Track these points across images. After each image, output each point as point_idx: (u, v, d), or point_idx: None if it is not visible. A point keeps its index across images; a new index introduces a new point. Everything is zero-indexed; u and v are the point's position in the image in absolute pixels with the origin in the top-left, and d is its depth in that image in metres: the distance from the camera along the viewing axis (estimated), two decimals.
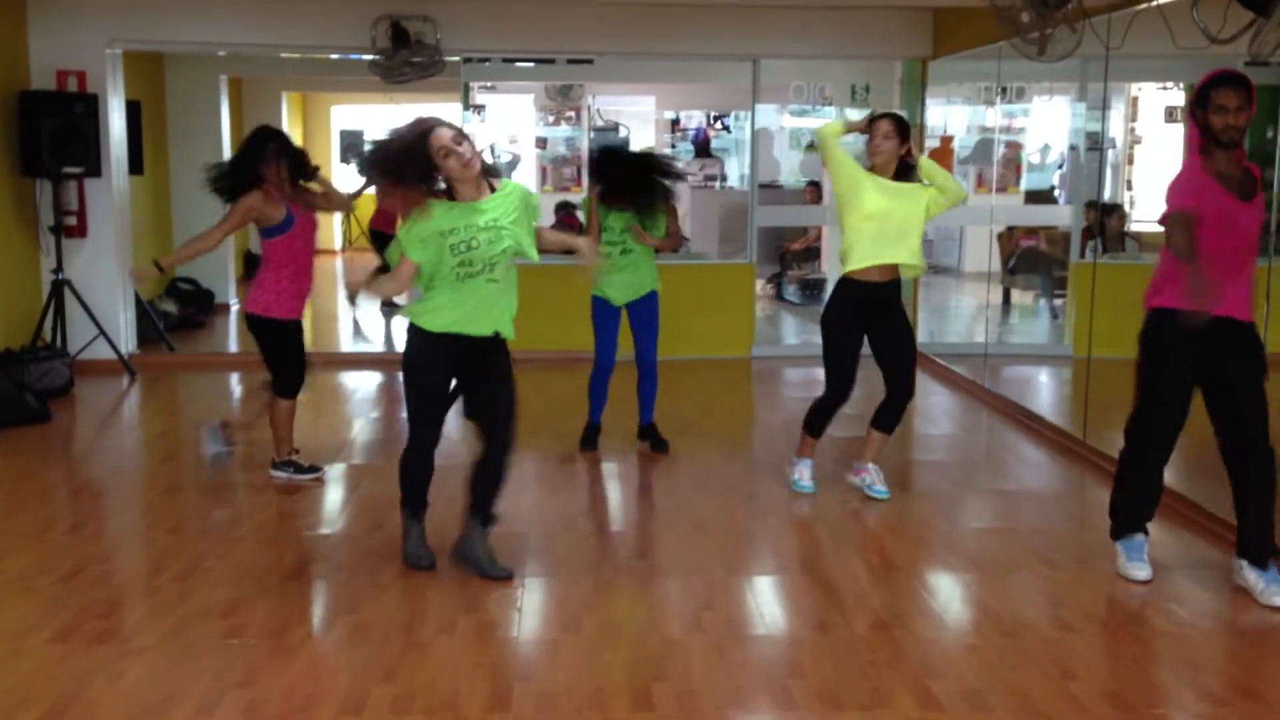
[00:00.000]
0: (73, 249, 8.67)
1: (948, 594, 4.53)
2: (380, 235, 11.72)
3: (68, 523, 5.34)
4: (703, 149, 14.78)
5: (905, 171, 5.55)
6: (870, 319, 5.48)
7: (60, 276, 8.43)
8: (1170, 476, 4.75)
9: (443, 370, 4.44)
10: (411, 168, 4.20)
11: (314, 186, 5.86)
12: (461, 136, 4.26)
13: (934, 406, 8.18)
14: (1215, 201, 4.26)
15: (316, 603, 4.36)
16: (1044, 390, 9.02)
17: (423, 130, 4.22)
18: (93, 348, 8.54)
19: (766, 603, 4.41)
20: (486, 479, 4.50)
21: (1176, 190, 4.33)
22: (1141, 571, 4.55)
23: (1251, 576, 4.40)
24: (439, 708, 3.47)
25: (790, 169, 13.17)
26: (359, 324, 11.85)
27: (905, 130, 5.55)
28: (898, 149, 5.49)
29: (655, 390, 6.58)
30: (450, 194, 4.31)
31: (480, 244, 4.28)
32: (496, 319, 4.41)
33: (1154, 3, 6.05)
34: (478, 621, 4.14)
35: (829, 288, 12.17)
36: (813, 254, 12.91)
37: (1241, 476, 4.45)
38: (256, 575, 4.54)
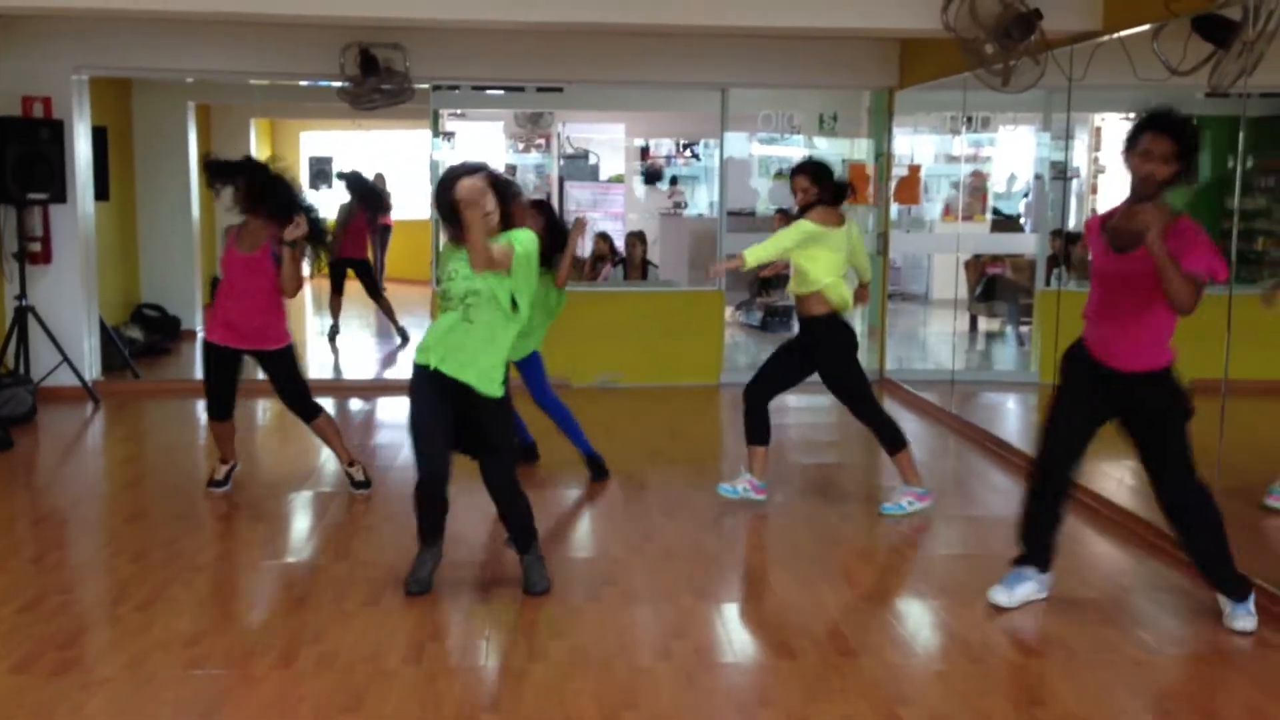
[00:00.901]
0: (37, 275, 8.59)
1: (916, 620, 4.54)
2: (344, 262, 11.71)
3: (29, 552, 5.27)
4: (652, 177, 14.79)
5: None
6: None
7: (24, 303, 8.35)
8: (1136, 502, 4.79)
9: (429, 405, 4.47)
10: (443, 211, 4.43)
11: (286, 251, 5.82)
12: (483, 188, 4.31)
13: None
14: (1095, 246, 4.32)
15: (281, 632, 4.31)
16: (1011, 416, 9.08)
17: (449, 179, 4.37)
18: (56, 375, 8.45)
19: (735, 630, 4.40)
20: (505, 518, 4.72)
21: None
22: (999, 596, 4.56)
23: (1242, 619, 4.38)
24: None
25: (760, 198, 13.23)
26: (336, 352, 11.79)
27: (818, 176, 5.94)
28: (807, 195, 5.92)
29: (569, 423, 6.51)
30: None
31: (457, 278, 4.37)
32: (466, 364, 4.41)
33: (1115, 35, 6.14)
34: (444, 650, 4.12)
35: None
36: (783, 280, 12.95)
37: (1175, 525, 4.45)
38: (220, 604, 4.49)
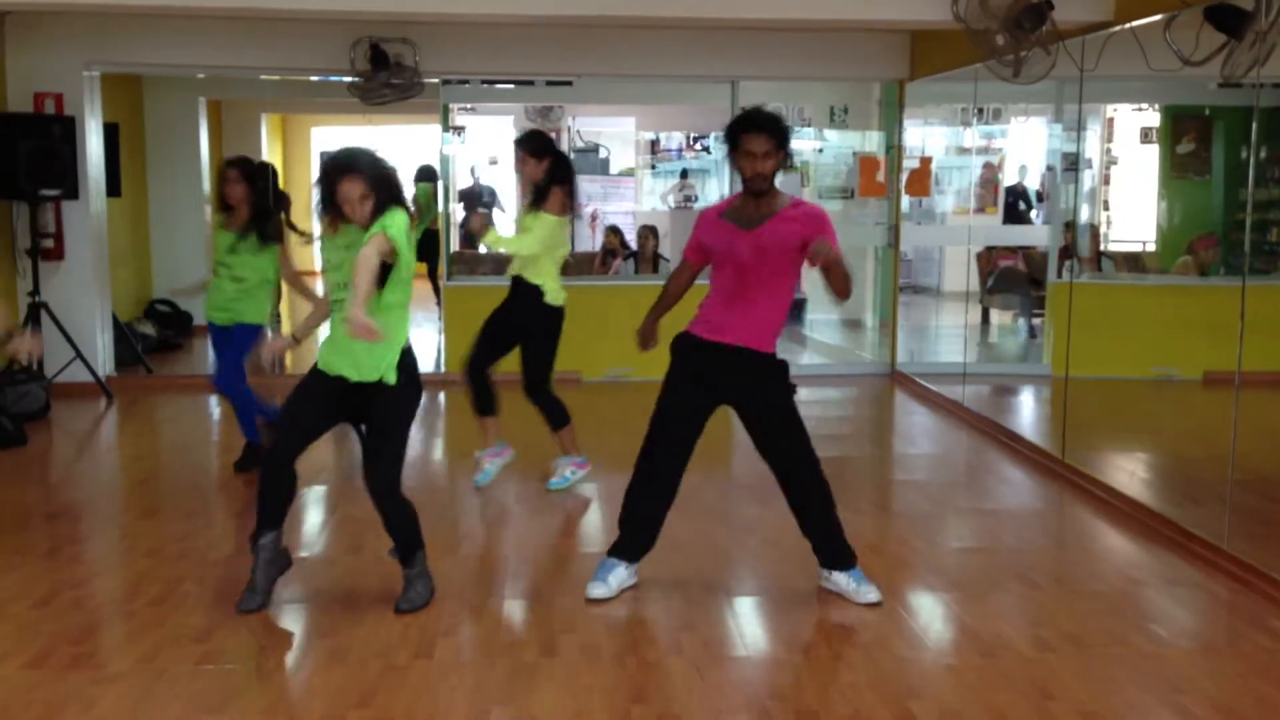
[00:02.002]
0: (50, 272, 8.63)
1: (927, 614, 4.53)
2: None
3: (43, 547, 5.29)
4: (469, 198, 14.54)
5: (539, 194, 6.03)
6: None
7: (37, 299, 8.38)
8: (1148, 494, 4.77)
9: (311, 387, 4.35)
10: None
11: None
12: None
13: (913, 426, 8.20)
14: (716, 232, 4.41)
15: (293, 627, 4.32)
16: (1023, 409, 9.05)
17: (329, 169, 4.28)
18: (70, 370, 8.49)
19: (746, 624, 4.40)
20: (386, 523, 4.43)
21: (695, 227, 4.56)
22: (597, 589, 4.56)
23: (841, 580, 4.52)
24: None
25: None
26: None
27: (535, 149, 6.02)
28: (534, 171, 6.03)
29: (241, 412, 6.39)
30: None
31: (329, 269, 4.34)
32: (357, 359, 4.23)
33: (1127, 25, 6.11)
34: (455, 645, 4.12)
35: (810, 308, 12.24)
36: None
37: (791, 497, 4.57)
38: (233, 600, 4.50)
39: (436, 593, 4.50)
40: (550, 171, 5.97)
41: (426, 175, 12.38)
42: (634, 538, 4.63)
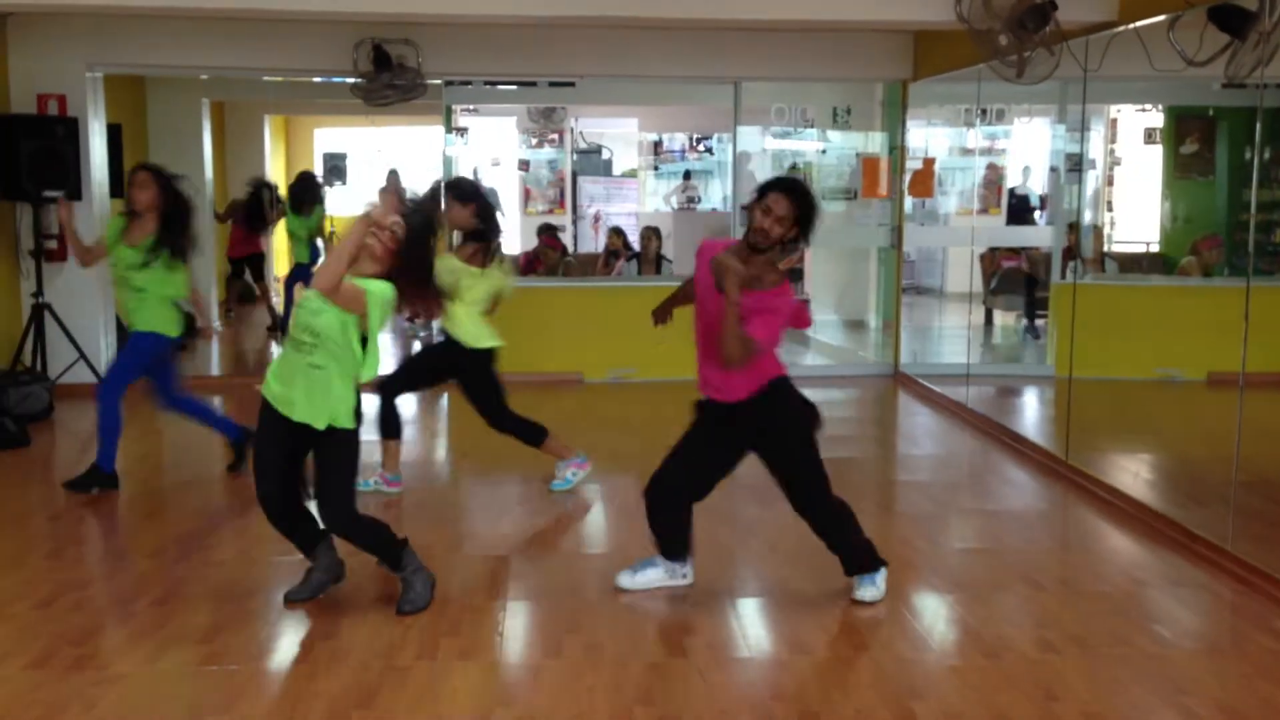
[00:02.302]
0: (53, 273, 8.62)
1: (931, 615, 4.52)
2: (237, 263, 12.06)
3: (46, 548, 5.29)
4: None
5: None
6: None
7: (40, 300, 8.38)
8: (1151, 495, 4.77)
9: (273, 442, 4.29)
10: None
11: None
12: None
13: (917, 427, 8.19)
14: (700, 272, 4.39)
15: (295, 628, 4.31)
16: (1026, 410, 9.04)
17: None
18: (73, 371, 8.48)
19: (749, 625, 4.39)
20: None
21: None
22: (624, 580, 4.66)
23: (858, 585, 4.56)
24: None
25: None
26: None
27: (461, 195, 5.92)
28: (460, 216, 5.91)
29: (195, 415, 6.48)
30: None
31: (304, 311, 4.16)
32: (311, 407, 4.17)
33: (1130, 25, 6.10)
34: (459, 646, 4.11)
35: (812, 309, 12.21)
36: (796, 275, 12.94)
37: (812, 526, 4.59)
38: (235, 601, 4.50)
39: (438, 592, 4.49)
40: (479, 221, 5.88)
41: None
42: (662, 541, 4.71)
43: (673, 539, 4.69)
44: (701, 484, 4.65)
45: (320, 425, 4.17)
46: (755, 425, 4.44)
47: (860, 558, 4.58)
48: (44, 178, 8.20)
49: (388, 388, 6.02)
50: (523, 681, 3.87)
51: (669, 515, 4.68)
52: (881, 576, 4.59)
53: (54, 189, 8.27)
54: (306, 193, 12.02)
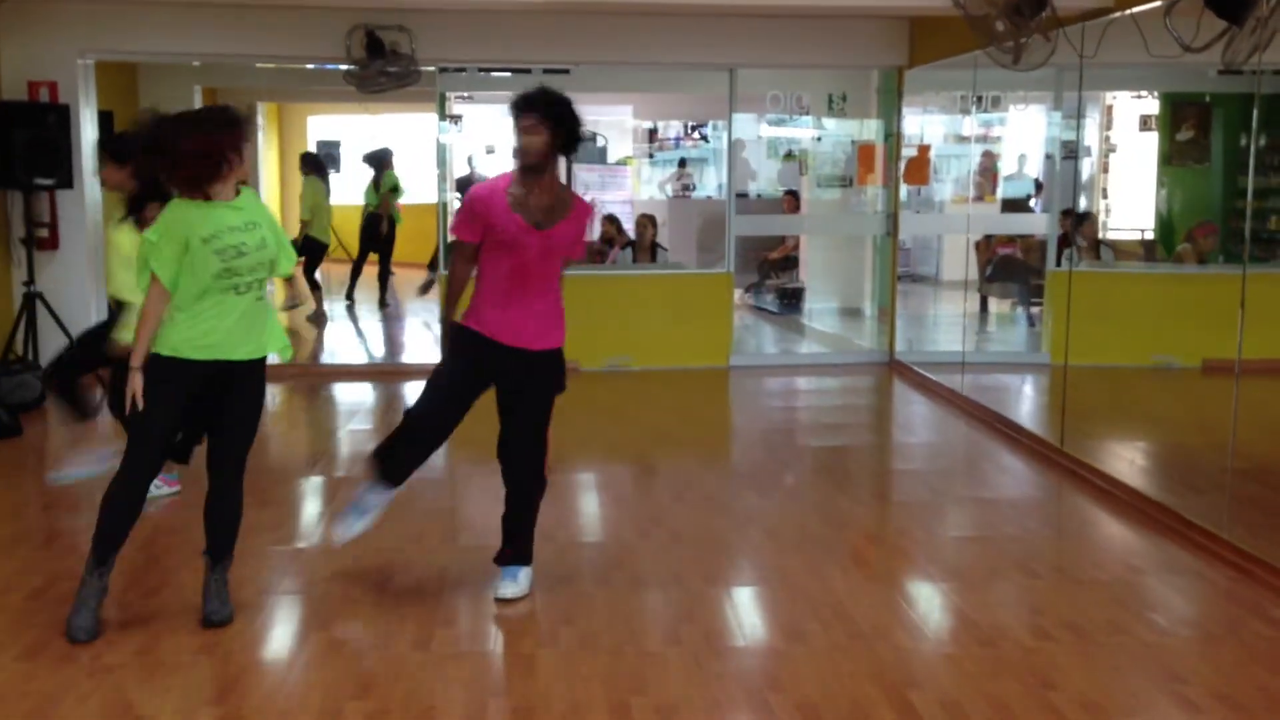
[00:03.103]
0: (45, 261, 8.58)
1: (926, 603, 4.52)
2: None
3: (38, 538, 5.27)
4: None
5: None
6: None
7: (32, 289, 8.34)
8: (1148, 483, 4.76)
9: (178, 402, 4.00)
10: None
11: None
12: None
13: (912, 415, 8.19)
14: (505, 220, 4.26)
15: (290, 618, 4.30)
16: (1021, 398, 9.04)
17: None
18: None
19: (745, 614, 4.39)
20: (227, 511, 4.20)
21: (462, 208, 4.41)
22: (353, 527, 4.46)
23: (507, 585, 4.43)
24: None
25: (768, 178, 13.18)
26: (362, 334, 11.85)
27: (116, 152, 5.23)
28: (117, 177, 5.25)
29: None
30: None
31: (250, 249, 3.93)
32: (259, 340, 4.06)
33: (1127, 11, 6.08)
34: (454, 636, 4.10)
35: (808, 297, 12.22)
36: (791, 263, 12.92)
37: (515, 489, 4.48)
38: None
39: (434, 582, 4.48)
40: (139, 181, 5.02)
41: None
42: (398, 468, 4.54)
43: (407, 470, 4.53)
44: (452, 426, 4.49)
45: (268, 352, 4.09)
46: (551, 371, 4.42)
47: (529, 546, 4.51)
48: (35, 165, 8.15)
49: (68, 367, 5.70)
50: (518, 671, 3.86)
51: (423, 453, 4.54)
52: (527, 574, 4.49)
53: (45, 177, 8.23)
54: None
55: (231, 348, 3.98)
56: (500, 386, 4.42)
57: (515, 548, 4.49)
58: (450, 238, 4.40)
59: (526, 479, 4.46)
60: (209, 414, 4.12)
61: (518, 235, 4.24)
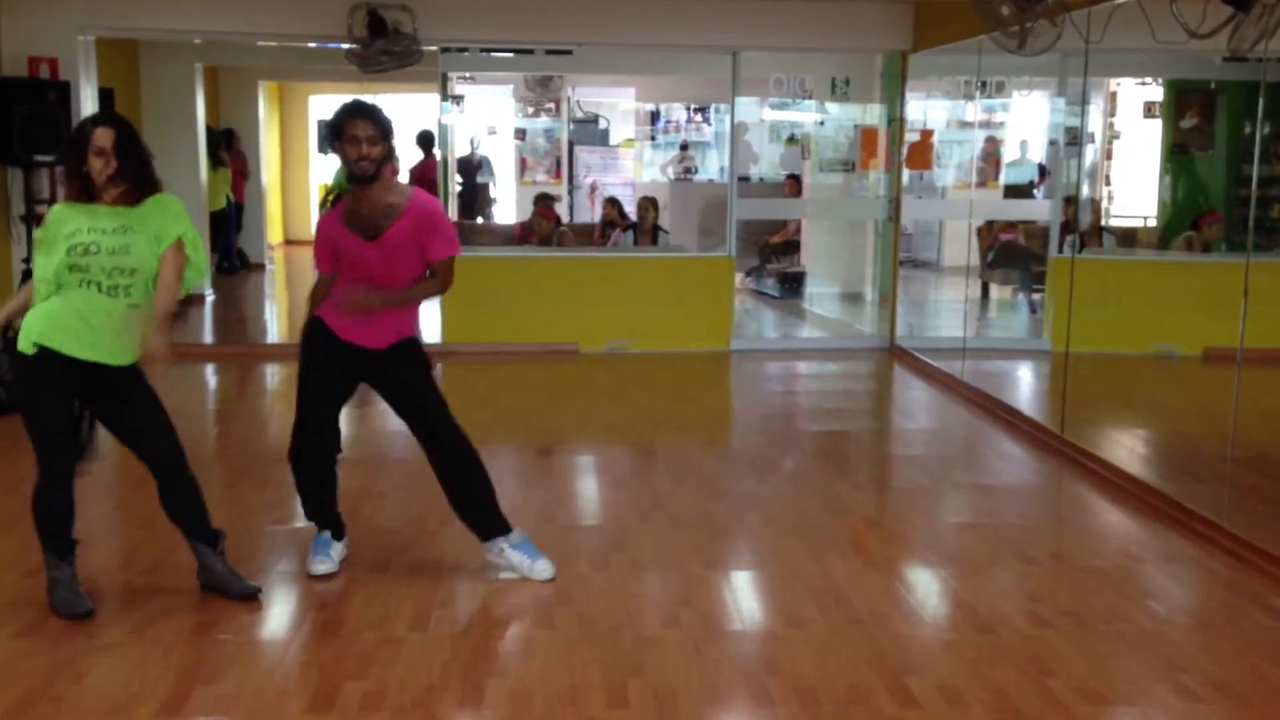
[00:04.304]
0: None
1: (925, 589, 4.51)
2: None
3: None
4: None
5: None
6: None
7: (31, 266, 8.31)
8: (1147, 471, 4.75)
9: (54, 394, 3.97)
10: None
11: None
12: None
13: (912, 401, 8.18)
14: (343, 241, 4.29)
15: (287, 598, 4.30)
16: (1022, 385, 9.03)
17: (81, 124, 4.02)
18: None
19: (743, 598, 4.38)
20: (180, 503, 4.26)
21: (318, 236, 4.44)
22: (321, 566, 4.46)
23: (515, 557, 4.46)
24: (410, 705, 3.43)
25: (770, 162, 13.17)
26: None
27: None
28: None
29: None
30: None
31: (100, 250, 3.91)
32: (120, 345, 4.00)
33: None
34: (451, 617, 4.10)
35: (809, 281, 12.19)
36: (792, 247, 12.90)
37: (442, 473, 4.48)
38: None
39: (432, 565, 4.47)
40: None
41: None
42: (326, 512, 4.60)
43: (330, 507, 4.58)
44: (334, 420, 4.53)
45: (129, 360, 4.04)
46: (395, 372, 4.42)
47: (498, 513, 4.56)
48: (35, 142, 8.12)
49: None
50: (516, 653, 3.86)
51: (326, 474, 4.55)
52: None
53: (45, 153, 8.20)
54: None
55: (72, 344, 3.93)
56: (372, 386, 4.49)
57: (494, 524, 4.52)
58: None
59: (456, 451, 4.45)
60: (109, 426, 4.19)
61: (356, 250, 4.27)
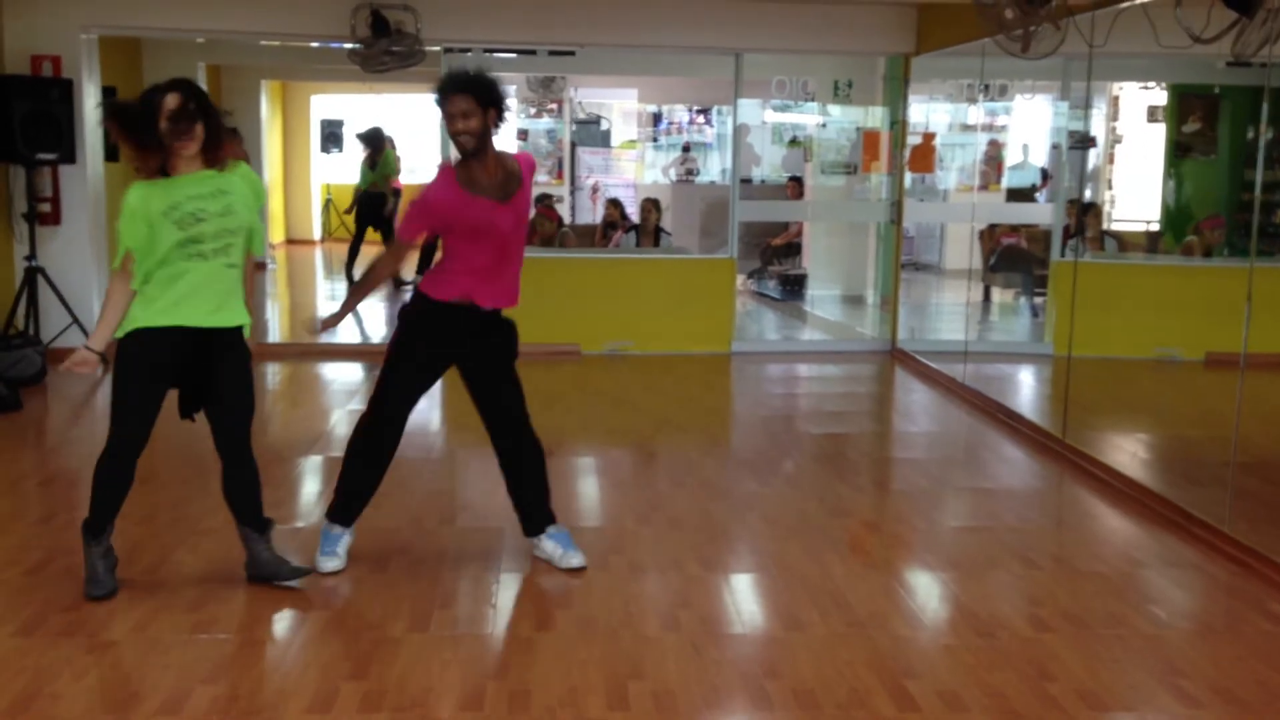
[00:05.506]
0: (46, 236, 8.56)
1: (925, 593, 4.51)
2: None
3: (36, 513, 5.26)
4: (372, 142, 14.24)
5: None
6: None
7: (34, 264, 8.33)
8: (1149, 475, 4.75)
9: (154, 370, 4.08)
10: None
11: None
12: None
13: (913, 404, 8.17)
14: (470, 208, 4.25)
15: (286, 598, 4.29)
16: (1023, 388, 9.02)
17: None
18: (66, 336, 8.43)
19: (743, 600, 4.38)
20: (241, 484, 4.30)
21: (413, 207, 4.35)
22: (331, 563, 4.47)
23: (548, 546, 4.58)
24: (409, 705, 3.43)
25: (772, 164, 13.18)
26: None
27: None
28: None
29: None
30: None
31: (209, 215, 3.97)
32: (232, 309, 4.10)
33: (1137, 1, 6.04)
34: (451, 618, 4.09)
35: (810, 284, 12.19)
36: (794, 250, 12.90)
37: (509, 462, 4.58)
38: (227, 569, 4.47)
39: (431, 564, 4.47)
40: None
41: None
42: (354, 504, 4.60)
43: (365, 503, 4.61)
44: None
45: (237, 321, 4.12)
46: (511, 331, 4.52)
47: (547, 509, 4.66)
48: (38, 140, 8.13)
49: None
50: (515, 654, 3.85)
51: (385, 469, 4.58)
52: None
53: (48, 152, 8.21)
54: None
55: (195, 314, 4.01)
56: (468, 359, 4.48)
57: (546, 511, 4.65)
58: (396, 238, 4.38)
59: (531, 438, 4.57)
60: (198, 394, 4.20)
61: (486, 214, 4.24)
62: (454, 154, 4.34)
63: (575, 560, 4.56)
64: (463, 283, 4.32)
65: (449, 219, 4.27)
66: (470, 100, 4.16)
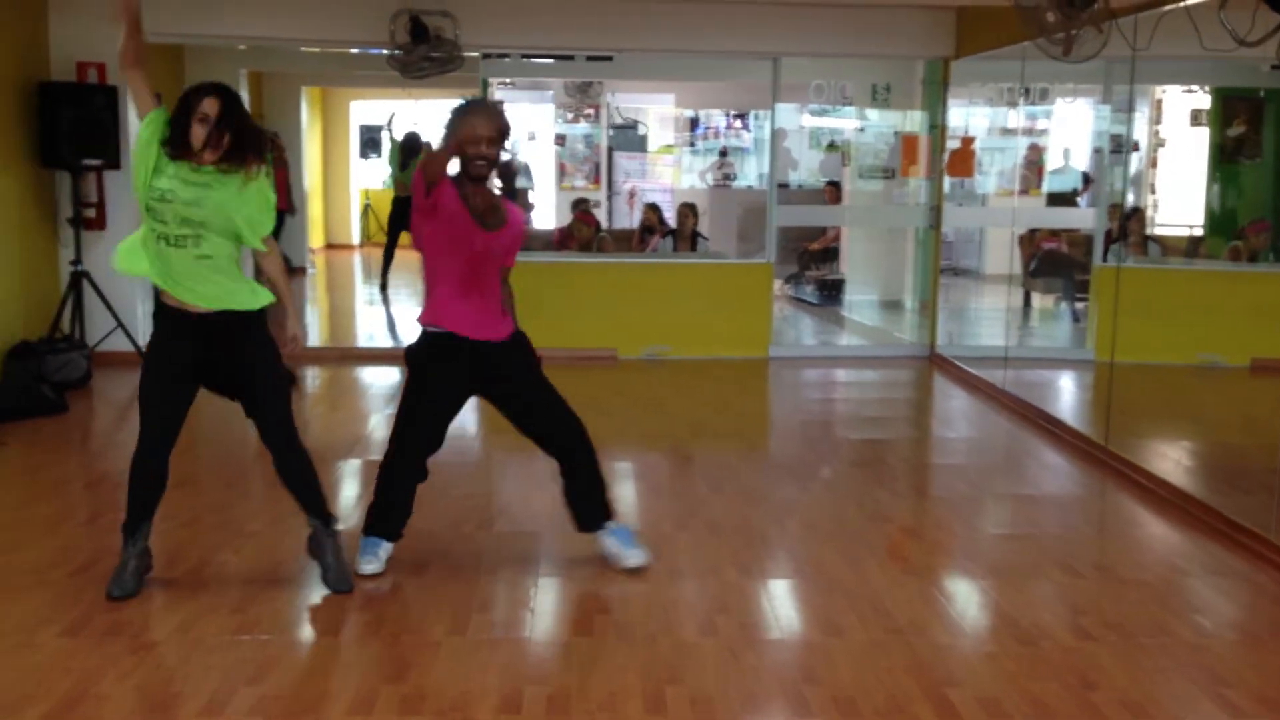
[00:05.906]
0: (91, 241, 8.66)
1: (965, 600, 4.47)
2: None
3: (83, 515, 5.33)
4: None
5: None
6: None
7: (79, 268, 8.43)
8: (1193, 483, 4.69)
9: (176, 359, 4.16)
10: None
11: None
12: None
13: (952, 410, 8.12)
14: (458, 221, 4.27)
15: (328, 600, 4.32)
16: (1065, 395, 8.94)
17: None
18: (111, 339, 8.54)
19: (781, 606, 4.36)
20: (293, 471, 4.37)
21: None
22: (369, 565, 4.47)
23: (610, 543, 4.62)
24: (448, 708, 3.44)
25: (809, 169, 13.14)
26: (392, 319, 11.91)
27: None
28: None
29: None
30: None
31: (175, 199, 4.03)
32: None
33: (1181, 4, 5.98)
34: (489, 622, 4.11)
35: (848, 289, 12.14)
36: (832, 254, 12.86)
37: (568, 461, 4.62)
38: (268, 570, 4.51)
39: (471, 569, 4.49)
40: None
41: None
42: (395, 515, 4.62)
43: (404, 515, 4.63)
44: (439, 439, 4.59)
45: (253, 305, 4.15)
46: (527, 350, 4.55)
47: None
48: (83, 146, 8.23)
49: None
50: (553, 659, 3.86)
51: (412, 486, 4.61)
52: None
53: (93, 158, 8.31)
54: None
55: (188, 296, 4.08)
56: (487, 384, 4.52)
57: (605, 508, 4.71)
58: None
59: (588, 447, 4.62)
60: (230, 386, 4.30)
61: (467, 229, 4.30)
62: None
63: (634, 559, 4.57)
64: (441, 297, 4.36)
65: (441, 195, 4.25)
66: (500, 134, 4.30)
